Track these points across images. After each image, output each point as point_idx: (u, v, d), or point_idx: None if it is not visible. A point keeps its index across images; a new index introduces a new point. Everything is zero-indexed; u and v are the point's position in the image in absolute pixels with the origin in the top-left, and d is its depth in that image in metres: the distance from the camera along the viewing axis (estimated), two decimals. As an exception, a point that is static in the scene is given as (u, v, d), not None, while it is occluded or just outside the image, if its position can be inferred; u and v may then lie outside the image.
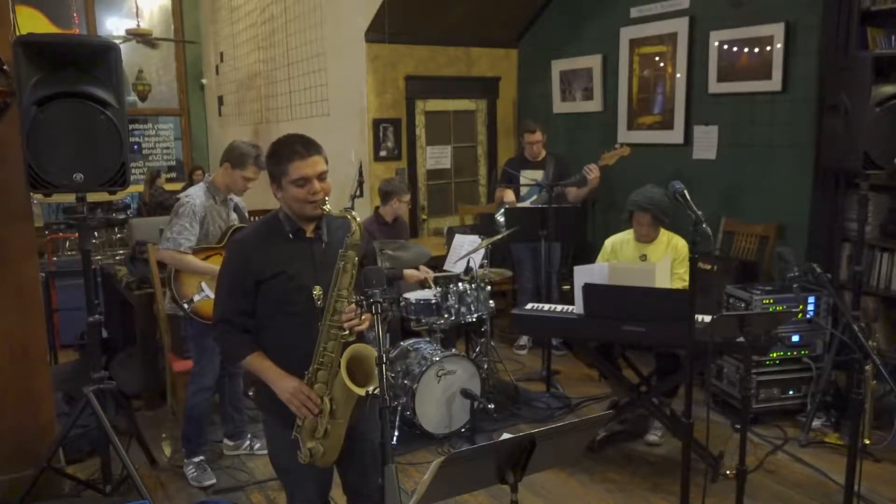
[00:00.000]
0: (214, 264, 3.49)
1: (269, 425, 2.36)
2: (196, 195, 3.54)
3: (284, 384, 2.15)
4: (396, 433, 4.00)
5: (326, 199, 2.17)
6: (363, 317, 2.09)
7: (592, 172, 4.92)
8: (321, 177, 2.18)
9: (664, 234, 3.96)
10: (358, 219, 2.13)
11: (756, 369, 3.99)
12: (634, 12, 5.66)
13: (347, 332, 2.09)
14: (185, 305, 3.50)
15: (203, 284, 3.52)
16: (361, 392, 2.04)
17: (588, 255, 5.59)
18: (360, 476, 2.38)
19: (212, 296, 3.50)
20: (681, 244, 3.90)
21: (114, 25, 8.82)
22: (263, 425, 2.41)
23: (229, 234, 3.58)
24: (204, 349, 3.60)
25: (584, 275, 3.62)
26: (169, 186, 8.39)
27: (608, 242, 4.13)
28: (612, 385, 4.15)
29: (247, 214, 3.84)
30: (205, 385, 3.63)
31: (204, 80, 9.51)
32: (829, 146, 4.01)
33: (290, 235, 2.24)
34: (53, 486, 3.36)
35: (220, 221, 3.62)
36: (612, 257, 4.06)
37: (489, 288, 4.47)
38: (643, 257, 3.95)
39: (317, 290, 2.16)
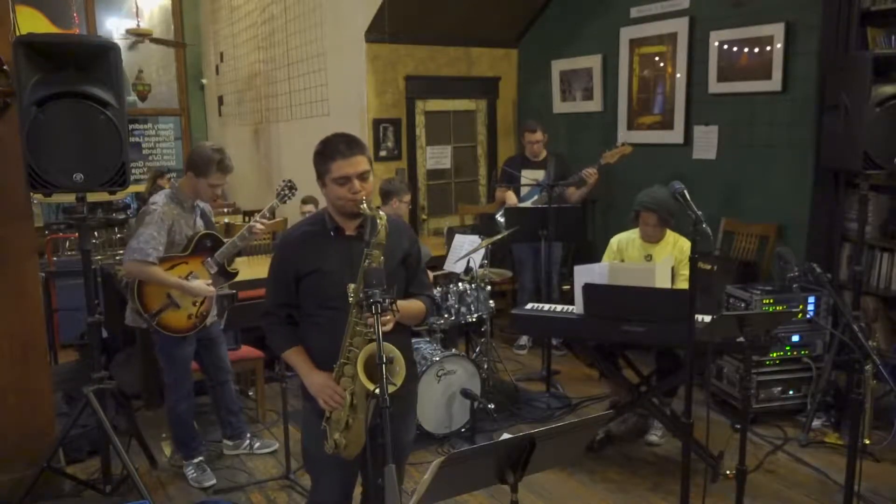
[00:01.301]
0: (181, 273, 3.42)
1: (306, 413, 2.43)
2: (162, 202, 3.39)
3: (313, 378, 2.26)
4: (396, 433, 4.00)
5: (365, 198, 2.20)
6: (386, 318, 2.09)
7: (591, 177, 4.96)
8: (363, 176, 2.23)
9: (670, 236, 3.96)
10: (384, 218, 2.14)
11: (756, 369, 3.99)
12: (634, 12, 5.66)
13: (372, 329, 2.10)
14: (150, 318, 3.36)
15: (171, 296, 3.39)
16: (373, 388, 2.04)
17: (588, 254, 5.59)
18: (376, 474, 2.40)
19: (181, 306, 3.42)
20: (686, 246, 3.89)
21: (114, 25, 8.81)
22: (302, 412, 2.48)
23: (195, 241, 3.47)
24: (174, 360, 3.53)
25: (584, 274, 3.62)
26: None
27: (614, 241, 4.13)
28: (611, 385, 4.16)
29: (212, 218, 3.72)
30: (183, 394, 3.59)
31: (204, 80, 9.50)
32: (829, 146, 4.01)
33: (331, 233, 2.30)
34: (53, 486, 3.37)
35: (187, 229, 3.48)
36: (618, 256, 4.06)
37: (489, 288, 4.47)
38: (648, 257, 3.95)
39: (351, 288, 2.19)
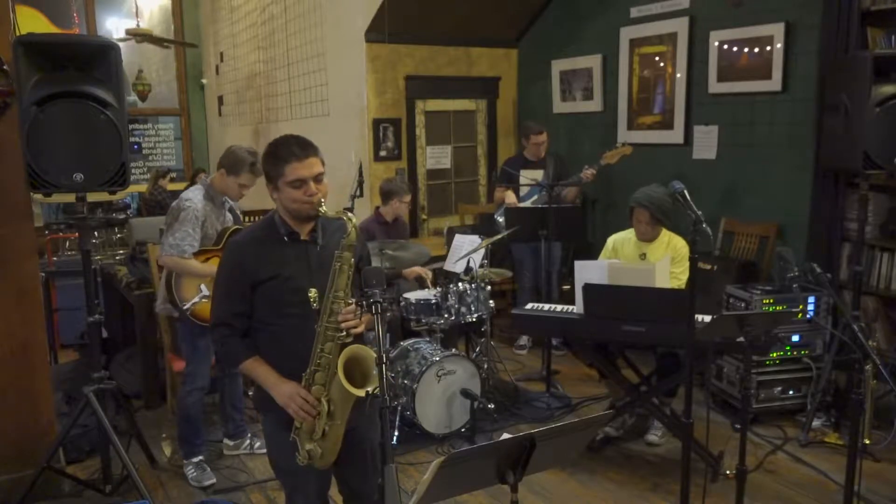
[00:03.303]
0: (214, 266, 3.50)
1: (269, 426, 2.35)
2: (197, 199, 3.50)
3: (281, 388, 2.16)
4: (396, 433, 4.00)
5: (323, 200, 2.16)
6: (362, 318, 2.09)
7: (589, 178, 4.99)
8: (318, 178, 2.18)
9: (665, 235, 3.96)
10: (354, 220, 2.13)
11: (756, 369, 3.99)
12: (634, 12, 5.66)
13: (344, 333, 2.08)
14: (186, 308, 3.47)
15: (202, 286, 3.51)
16: (359, 393, 2.03)
17: (588, 255, 5.58)
18: (358, 477, 2.38)
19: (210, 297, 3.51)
20: (680, 244, 3.90)
21: (114, 25, 8.81)
22: (263, 426, 2.40)
23: (227, 235, 3.55)
24: (196, 350, 3.59)
25: (585, 269, 3.62)
26: (173, 187, 8.36)
27: (610, 240, 4.14)
28: (611, 385, 4.15)
29: (239, 214, 3.82)
30: (198, 385, 3.62)
31: (204, 80, 9.51)
32: (829, 146, 4.01)
33: (286, 238, 2.23)
34: (53, 486, 3.37)
35: (218, 224, 3.60)
36: (614, 255, 4.07)
37: (489, 288, 4.47)
38: (643, 256, 3.95)
39: (312, 293, 2.16)
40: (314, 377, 2.12)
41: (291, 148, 2.16)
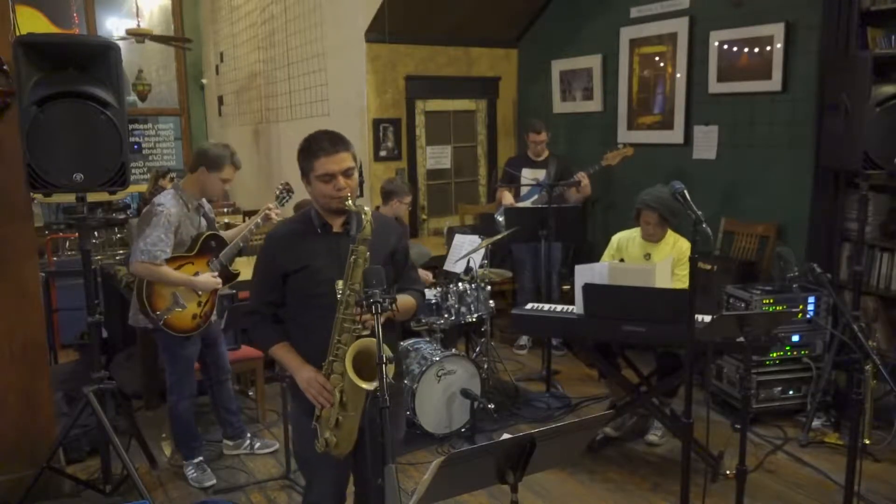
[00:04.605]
0: (187, 274, 3.44)
1: (295, 412, 2.43)
2: (170, 203, 3.39)
3: (302, 373, 2.24)
4: (396, 433, 4.00)
5: (350, 195, 2.21)
6: (361, 317, 2.10)
7: (583, 180, 4.99)
8: (347, 173, 2.23)
9: (671, 236, 3.96)
10: (369, 214, 2.15)
11: (756, 369, 3.99)
12: (634, 12, 5.66)
13: (360, 326, 2.10)
14: (157, 318, 3.38)
15: (177, 296, 3.42)
16: (364, 386, 2.04)
17: (588, 254, 5.60)
18: (368, 468, 2.40)
19: (186, 307, 3.44)
20: (685, 246, 3.89)
21: (114, 25, 8.81)
22: (290, 412, 2.48)
23: (201, 241, 3.49)
24: (177, 359, 3.54)
25: (584, 274, 3.62)
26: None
27: (615, 239, 4.15)
28: (611, 385, 4.16)
29: (214, 218, 3.75)
30: (185, 394, 3.59)
31: (204, 80, 9.50)
32: (829, 146, 4.01)
33: (319, 230, 2.30)
34: (53, 486, 3.37)
35: (192, 229, 3.50)
36: (618, 254, 4.07)
37: (489, 288, 4.47)
38: (647, 256, 3.96)
39: (339, 284, 2.18)
40: (332, 367, 2.17)
41: (322, 143, 2.23)
